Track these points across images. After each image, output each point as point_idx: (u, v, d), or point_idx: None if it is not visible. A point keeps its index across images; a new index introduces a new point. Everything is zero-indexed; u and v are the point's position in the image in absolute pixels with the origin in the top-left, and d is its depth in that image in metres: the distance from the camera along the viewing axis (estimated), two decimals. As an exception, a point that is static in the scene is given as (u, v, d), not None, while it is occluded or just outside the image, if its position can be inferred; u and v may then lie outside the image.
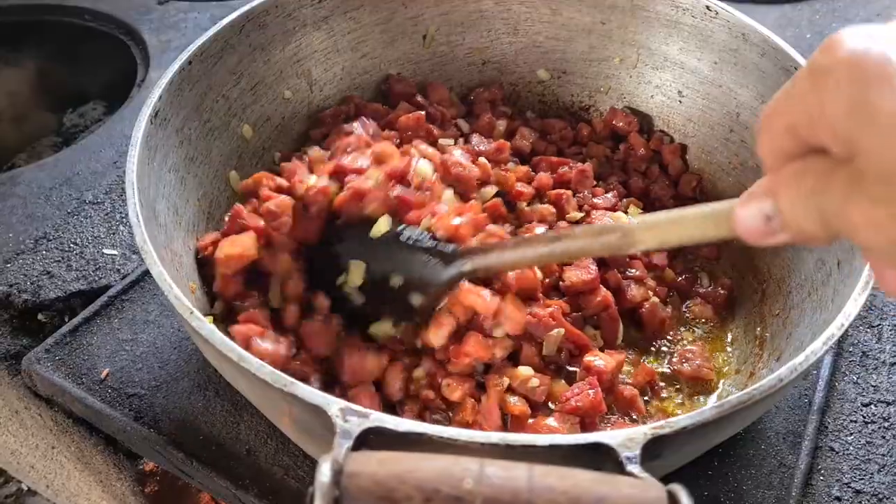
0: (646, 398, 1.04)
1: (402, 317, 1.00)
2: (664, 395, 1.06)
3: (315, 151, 1.16)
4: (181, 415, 1.02)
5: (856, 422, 1.05)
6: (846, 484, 0.98)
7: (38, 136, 2.00)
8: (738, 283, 1.19)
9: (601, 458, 0.64)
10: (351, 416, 0.65)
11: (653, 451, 0.65)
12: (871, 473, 0.99)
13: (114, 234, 1.27)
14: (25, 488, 1.77)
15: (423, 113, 1.26)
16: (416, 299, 0.98)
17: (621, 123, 1.37)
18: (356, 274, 1.01)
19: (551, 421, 0.94)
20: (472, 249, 0.96)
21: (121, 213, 1.31)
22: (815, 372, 1.08)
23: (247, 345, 0.91)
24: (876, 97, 0.46)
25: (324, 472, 0.55)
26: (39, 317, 1.16)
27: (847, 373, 1.11)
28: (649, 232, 0.77)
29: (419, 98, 1.36)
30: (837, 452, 1.02)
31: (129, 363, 1.08)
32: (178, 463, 1.00)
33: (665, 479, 0.60)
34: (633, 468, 0.62)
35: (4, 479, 1.80)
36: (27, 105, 2.02)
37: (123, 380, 1.06)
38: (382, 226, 1.00)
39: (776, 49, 1.13)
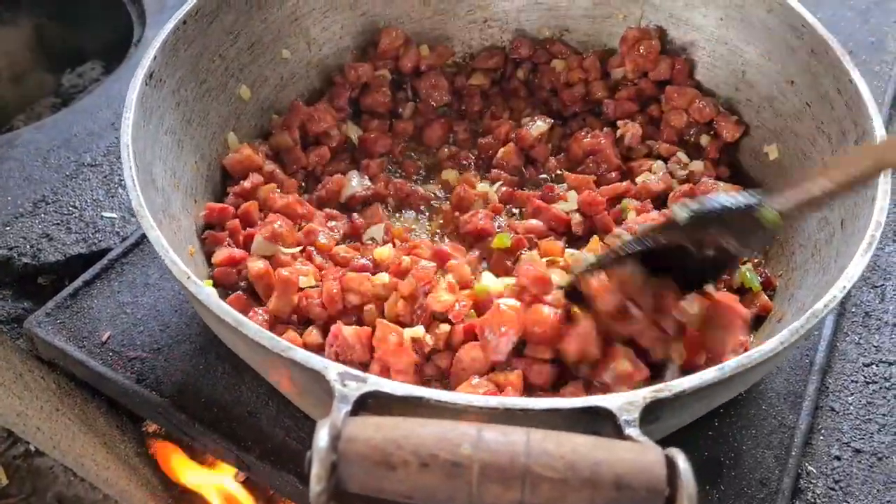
0: None
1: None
2: None
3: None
4: (182, 377, 1.02)
5: (857, 382, 1.05)
6: (846, 443, 0.99)
7: (36, 96, 1.98)
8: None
9: (600, 422, 0.64)
10: (349, 380, 0.65)
11: (651, 414, 0.65)
12: (871, 433, 1.00)
13: (113, 196, 1.26)
14: (34, 449, 1.79)
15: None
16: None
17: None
18: None
19: None
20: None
21: (120, 175, 1.30)
22: (816, 332, 1.08)
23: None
24: None
25: (321, 437, 0.55)
26: (40, 280, 1.16)
27: (849, 333, 1.11)
28: None
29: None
30: (838, 412, 1.02)
31: (129, 326, 1.08)
32: (180, 425, 1.00)
33: (664, 441, 0.60)
34: (632, 431, 0.62)
35: (12, 440, 1.82)
36: (25, 65, 2.00)
37: (124, 343, 1.06)
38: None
39: (783, 5, 1.10)
